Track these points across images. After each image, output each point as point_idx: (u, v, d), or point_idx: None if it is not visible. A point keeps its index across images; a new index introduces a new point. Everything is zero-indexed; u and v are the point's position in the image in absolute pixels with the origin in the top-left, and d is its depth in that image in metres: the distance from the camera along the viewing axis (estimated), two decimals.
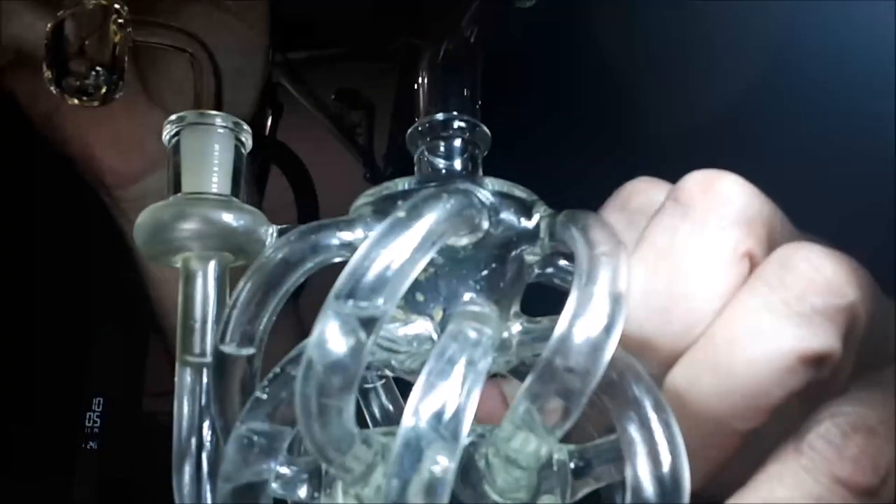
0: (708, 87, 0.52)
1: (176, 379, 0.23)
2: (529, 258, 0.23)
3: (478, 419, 0.18)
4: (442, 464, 0.16)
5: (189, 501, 0.22)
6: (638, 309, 0.21)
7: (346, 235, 0.22)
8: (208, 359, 0.22)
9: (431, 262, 0.22)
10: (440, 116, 0.23)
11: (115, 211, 0.48)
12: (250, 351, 0.21)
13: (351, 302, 0.17)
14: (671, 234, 0.21)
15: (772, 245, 0.22)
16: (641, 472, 0.19)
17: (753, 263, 0.21)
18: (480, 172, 0.23)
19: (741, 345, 0.20)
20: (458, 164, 0.23)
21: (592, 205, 0.24)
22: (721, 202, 0.21)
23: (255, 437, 0.20)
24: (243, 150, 0.25)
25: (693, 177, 0.22)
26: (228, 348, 0.21)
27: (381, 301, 0.17)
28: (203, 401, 0.22)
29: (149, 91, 0.45)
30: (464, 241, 0.22)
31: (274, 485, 0.20)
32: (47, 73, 0.25)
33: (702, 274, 0.21)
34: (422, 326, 0.22)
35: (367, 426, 0.27)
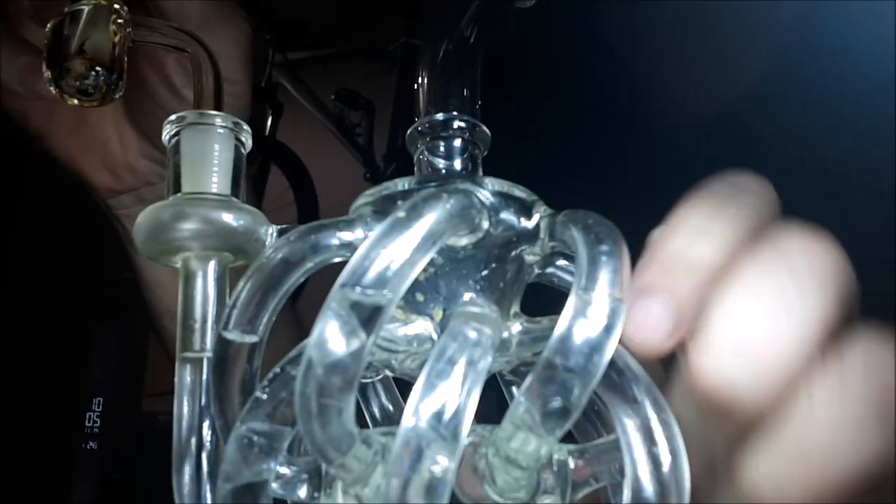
0: (710, 86, 0.52)
1: (176, 378, 0.23)
2: (529, 258, 0.23)
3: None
4: (442, 464, 0.16)
5: (189, 501, 0.22)
6: (734, 357, 0.21)
7: (346, 235, 0.22)
8: (208, 353, 0.22)
9: (431, 262, 0.22)
10: (440, 116, 0.23)
11: (109, 214, 0.48)
12: (253, 338, 0.21)
13: (358, 289, 0.17)
14: (777, 293, 0.21)
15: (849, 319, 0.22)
16: (641, 472, 0.19)
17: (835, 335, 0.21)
18: (480, 172, 0.23)
19: (836, 450, 0.20)
20: (457, 164, 0.23)
21: (592, 204, 0.24)
22: (831, 273, 0.21)
23: (255, 437, 0.20)
24: (243, 150, 0.25)
25: (799, 235, 0.22)
26: (232, 334, 0.21)
27: (385, 292, 0.17)
28: (203, 400, 0.22)
29: (138, 127, 0.45)
30: (464, 241, 0.22)
31: (274, 485, 0.20)
32: (47, 73, 0.25)
33: (802, 342, 0.21)
34: (422, 326, 0.22)
35: (367, 426, 0.27)
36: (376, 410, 0.27)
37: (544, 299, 0.23)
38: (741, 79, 0.51)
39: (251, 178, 0.57)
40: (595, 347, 0.18)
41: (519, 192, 0.23)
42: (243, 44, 0.43)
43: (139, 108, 0.44)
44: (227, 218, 0.23)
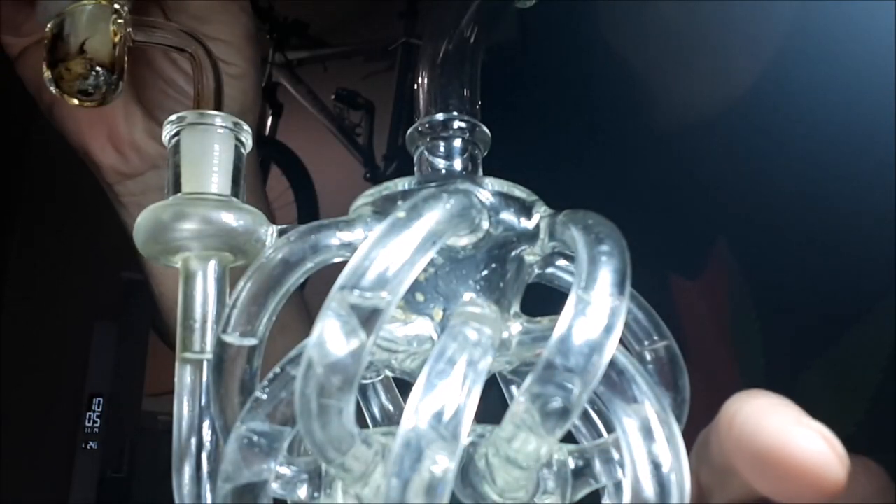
0: (710, 86, 0.52)
1: (176, 378, 0.23)
2: (529, 258, 0.23)
3: None
4: (442, 464, 0.16)
5: (189, 501, 0.22)
6: None
7: (345, 235, 0.22)
8: (208, 354, 0.22)
9: (431, 263, 0.22)
10: (440, 116, 0.23)
11: (116, 204, 0.49)
12: (252, 341, 0.21)
13: (357, 291, 0.17)
14: None
15: None
16: (641, 472, 0.19)
17: None
18: (480, 172, 0.23)
19: None
20: (457, 164, 0.23)
21: (592, 204, 0.24)
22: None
23: (255, 437, 0.20)
24: (243, 151, 0.25)
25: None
26: (230, 338, 0.21)
27: (384, 294, 0.17)
28: (203, 400, 0.22)
29: (142, 104, 0.45)
30: (463, 241, 0.22)
31: (274, 485, 0.20)
32: (47, 73, 0.25)
33: None
34: (422, 326, 0.22)
35: (367, 426, 0.27)
36: (376, 410, 0.27)
37: (544, 299, 0.23)
38: (741, 79, 0.51)
39: (257, 175, 0.57)
40: (595, 347, 0.18)
41: (519, 192, 0.23)
42: (238, 29, 0.43)
43: (143, 83, 0.44)
44: (227, 218, 0.23)
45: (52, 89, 0.25)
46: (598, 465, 0.21)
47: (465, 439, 0.17)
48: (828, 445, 0.19)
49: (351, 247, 0.22)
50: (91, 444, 1.68)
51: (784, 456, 0.19)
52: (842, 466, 0.19)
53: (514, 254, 0.23)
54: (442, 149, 0.23)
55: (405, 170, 0.23)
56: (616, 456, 0.21)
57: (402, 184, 0.22)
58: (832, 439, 0.19)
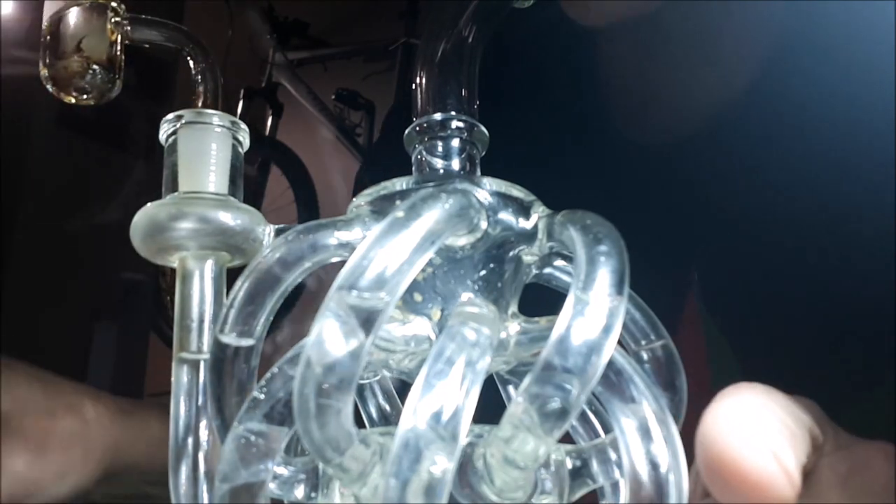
0: (707, 87, 0.52)
1: (173, 378, 0.23)
2: (527, 258, 0.23)
3: None
4: (441, 464, 0.16)
5: (186, 501, 0.22)
6: None
7: (344, 235, 0.22)
8: (205, 354, 0.22)
9: (429, 263, 0.22)
10: (438, 116, 0.23)
11: None
12: (250, 342, 0.21)
13: (355, 292, 0.17)
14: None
15: None
16: (640, 472, 0.19)
17: None
18: (478, 172, 0.23)
19: None
20: (455, 164, 0.23)
21: (590, 204, 0.24)
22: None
23: (253, 437, 0.20)
24: (240, 150, 0.25)
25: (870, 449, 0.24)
26: (228, 338, 0.21)
27: (382, 294, 0.17)
28: (200, 400, 0.22)
29: None
30: (462, 241, 0.22)
31: (271, 485, 0.20)
32: (43, 72, 0.25)
33: None
34: (420, 326, 0.22)
35: (364, 427, 0.27)
36: (373, 411, 0.27)
37: (543, 300, 0.23)
38: (737, 79, 0.51)
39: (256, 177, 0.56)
40: (593, 348, 0.18)
41: (517, 192, 0.23)
42: None
43: None
44: (225, 217, 0.23)
45: (49, 88, 0.25)
46: (595, 466, 0.21)
47: (463, 440, 0.17)
48: (777, 464, 0.20)
49: (349, 246, 0.22)
50: None
51: (732, 470, 0.20)
52: (789, 485, 0.19)
53: (512, 254, 0.23)
54: (440, 149, 0.23)
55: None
56: (613, 456, 0.21)
57: (400, 184, 0.22)
58: (783, 457, 0.20)
